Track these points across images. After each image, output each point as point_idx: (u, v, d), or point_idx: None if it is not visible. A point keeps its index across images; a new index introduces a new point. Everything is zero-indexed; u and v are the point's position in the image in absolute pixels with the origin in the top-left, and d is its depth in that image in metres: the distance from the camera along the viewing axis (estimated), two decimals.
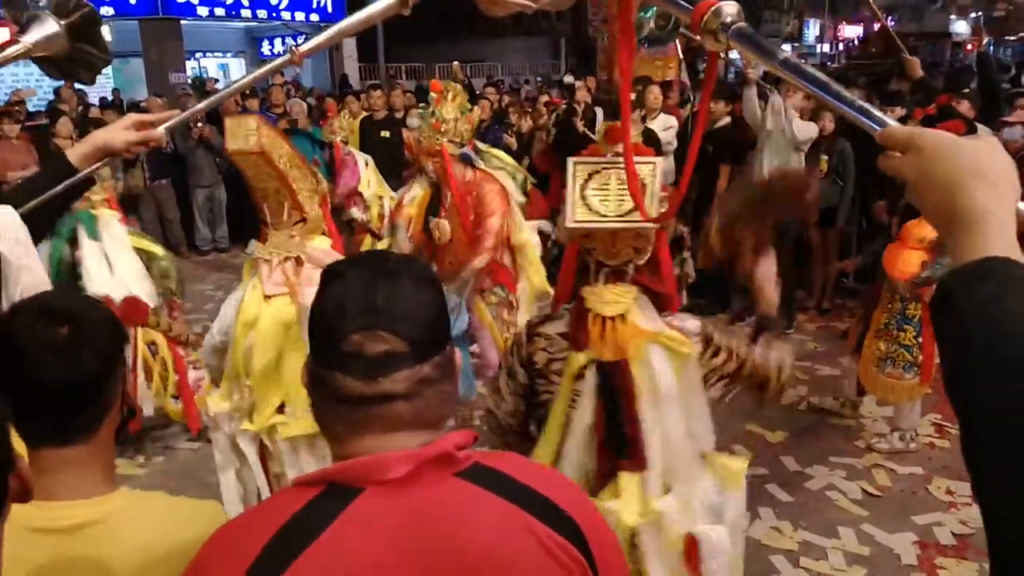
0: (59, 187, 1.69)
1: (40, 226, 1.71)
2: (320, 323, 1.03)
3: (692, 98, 7.64)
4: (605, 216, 2.00)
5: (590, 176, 2.01)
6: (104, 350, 1.28)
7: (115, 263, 4.36)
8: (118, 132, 1.74)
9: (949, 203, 0.84)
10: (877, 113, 1.06)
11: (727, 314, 6.62)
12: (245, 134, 2.56)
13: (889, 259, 4.44)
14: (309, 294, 2.63)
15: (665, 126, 6.90)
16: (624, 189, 1.99)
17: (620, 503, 2.02)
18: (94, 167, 1.73)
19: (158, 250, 4.74)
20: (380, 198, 6.34)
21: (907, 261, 4.33)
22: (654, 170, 2.05)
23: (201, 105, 1.91)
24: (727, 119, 6.59)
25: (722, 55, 1.48)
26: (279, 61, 1.86)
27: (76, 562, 1.22)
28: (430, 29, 20.46)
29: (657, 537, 2.02)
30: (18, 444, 0.94)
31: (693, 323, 2.16)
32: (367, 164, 6.50)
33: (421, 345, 1.02)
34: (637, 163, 2.00)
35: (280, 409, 2.67)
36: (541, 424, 2.14)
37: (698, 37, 1.32)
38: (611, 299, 2.04)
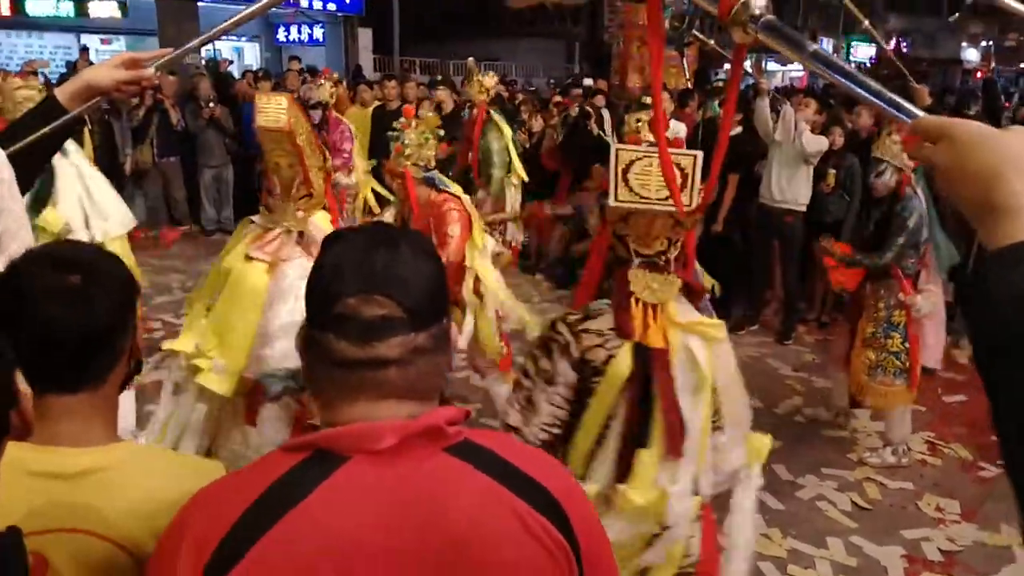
0: (47, 128, 1.61)
1: (30, 168, 1.65)
2: (317, 285, 1.03)
3: (704, 105, 7.65)
4: (646, 199, 2.03)
5: (631, 162, 2.03)
6: (115, 300, 1.28)
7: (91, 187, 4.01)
8: (108, 70, 1.66)
9: (983, 192, 0.84)
10: (907, 104, 1.07)
11: (727, 322, 6.62)
12: (276, 112, 2.63)
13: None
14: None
15: (674, 133, 6.91)
16: (684, 178, 2.04)
17: (632, 482, 2.02)
18: (84, 107, 1.66)
19: None
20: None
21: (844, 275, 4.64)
22: (695, 162, 2.08)
23: (194, 43, 1.81)
24: (739, 128, 6.60)
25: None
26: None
27: (75, 508, 1.21)
28: (445, 26, 20.52)
29: (646, 523, 2.04)
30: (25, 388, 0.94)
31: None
32: (355, 138, 6.60)
33: (417, 314, 1.01)
34: (681, 155, 2.07)
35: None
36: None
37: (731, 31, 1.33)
38: (656, 287, 2.06)
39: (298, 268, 2.72)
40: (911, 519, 4.08)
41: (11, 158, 1.59)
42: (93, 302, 1.24)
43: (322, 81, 6.89)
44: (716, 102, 7.37)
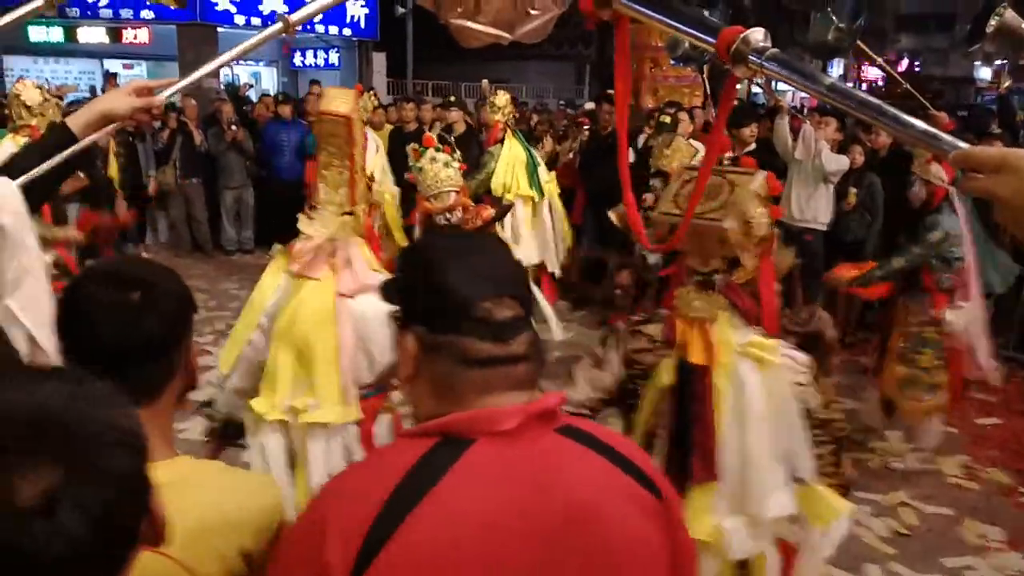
0: (60, 156, 1.62)
1: (38, 197, 1.65)
2: (444, 294, 1.08)
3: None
4: (671, 210, 2.08)
5: (689, 180, 2.05)
6: (171, 317, 1.30)
7: None
8: (121, 98, 1.69)
9: None
10: (945, 136, 1.03)
11: None
12: (343, 99, 2.62)
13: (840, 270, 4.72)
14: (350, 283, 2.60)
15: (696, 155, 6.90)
16: (721, 194, 2.03)
17: (689, 515, 1.96)
18: (96, 135, 1.68)
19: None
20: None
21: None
22: (757, 181, 2.12)
23: (196, 74, 1.85)
24: (753, 146, 6.58)
25: (755, 81, 1.48)
26: (269, 31, 1.81)
27: None
28: (458, 49, 20.62)
29: (713, 559, 1.99)
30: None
31: (802, 357, 2.12)
32: (377, 149, 6.57)
33: (529, 309, 1.12)
34: (742, 174, 2.10)
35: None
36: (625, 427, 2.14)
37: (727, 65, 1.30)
38: (698, 304, 2.06)
39: (359, 302, 2.61)
40: (952, 546, 4.00)
41: (23, 189, 1.58)
42: (149, 318, 1.26)
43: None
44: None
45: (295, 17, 1.78)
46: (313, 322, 2.57)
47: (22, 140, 4.02)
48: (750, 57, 1.21)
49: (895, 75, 7.27)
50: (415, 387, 1.14)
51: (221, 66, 1.92)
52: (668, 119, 6.67)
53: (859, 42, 6.65)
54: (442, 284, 1.09)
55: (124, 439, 0.78)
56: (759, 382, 2.03)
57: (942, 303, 4.43)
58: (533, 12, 2.38)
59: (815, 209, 6.26)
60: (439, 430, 1.06)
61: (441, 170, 3.73)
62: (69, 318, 1.27)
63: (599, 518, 1.06)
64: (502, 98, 6.42)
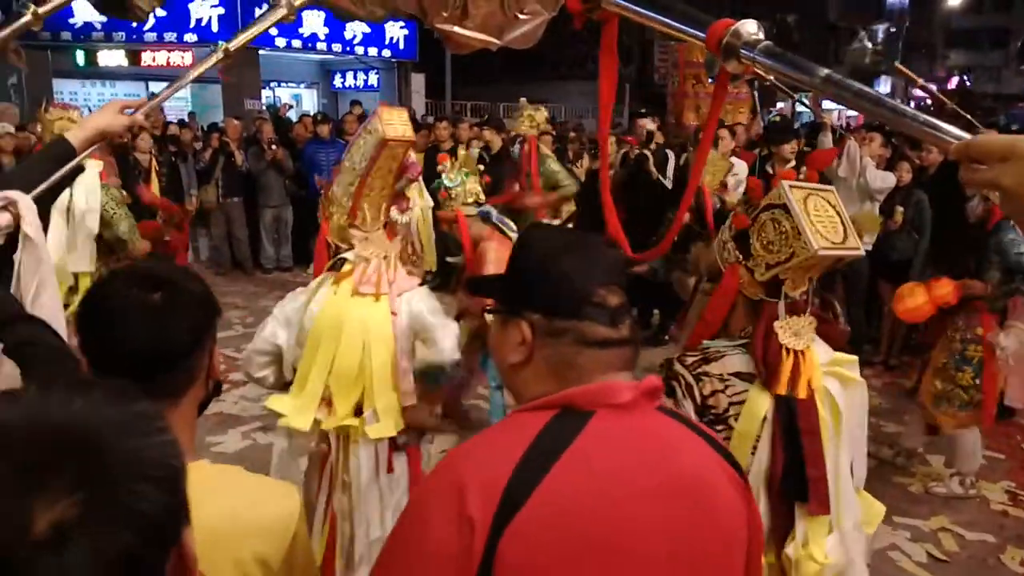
0: (63, 170, 1.81)
1: (41, 210, 1.76)
2: (564, 282, 1.19)
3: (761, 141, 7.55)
4: (834, 243, 1.89)
5: (805, 200, 1.91)
6: (194, 319, 1.29)
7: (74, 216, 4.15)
8: (115, 116, 1.91)
9: None
10: (947, 127, 0.99)
11: None
12: (403, 123, 2.62)
13: (904, 294, 4.39)
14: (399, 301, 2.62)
15: (732, 172, 6.80)
16: (838, 215, 1.93)
17: (812, 547, 1.89)
18: (90, 150, 1.87)
19: (122, 225, 4.35)
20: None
21: (918, 308, 4.31)
22: (836, 198, 1.99)
23: (166, 92, 2.08)
24: (794, 163, 6.48)
25: (800, 99, 1.43)
26: (211, 60, 2.04)
27: None
28: (496, 69, 20.78)
29: None
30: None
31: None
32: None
33: (630, 298, 1.23)
34: (821, 191, 1.97)
35: (355, 413, 2.64)
36: None
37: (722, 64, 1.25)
38: (800, 330, 1.93)
39: (404, 303, 2.64)
40: (992, 574, 3.86)
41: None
42: (172, 320, 1.25)
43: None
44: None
45: (233, 44, 1.96)
46: (371, 337, 2.59)
47: (96, 163, 4.25)
48: (742, 51, 1.17)
49: (938, 96, 7.11)
50: (525, 372, 1.22)
51: (174, 91, 2.12)
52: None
53: (899, 65, 6.52)
54: (562, 273, 1.19)
55: (157, 472, 0.71)
56: (845, 401, 1.95)
57: (990, 323, 4.29)
58: (522, 17, 2.36)
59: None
60: (560, 402, 1.15)
61: (470, 185, 3.87)
62: (93, 318, 1.26)
63: (707, 486, 1.17)
64: (541, 115, 6.43)
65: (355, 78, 19.50)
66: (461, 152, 4.22)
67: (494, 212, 4.12)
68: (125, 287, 1.25)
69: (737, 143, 7.68)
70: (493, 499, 1.05)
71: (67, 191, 4.01)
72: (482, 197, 4.08)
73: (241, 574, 1.22)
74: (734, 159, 6.96)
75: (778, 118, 11.12)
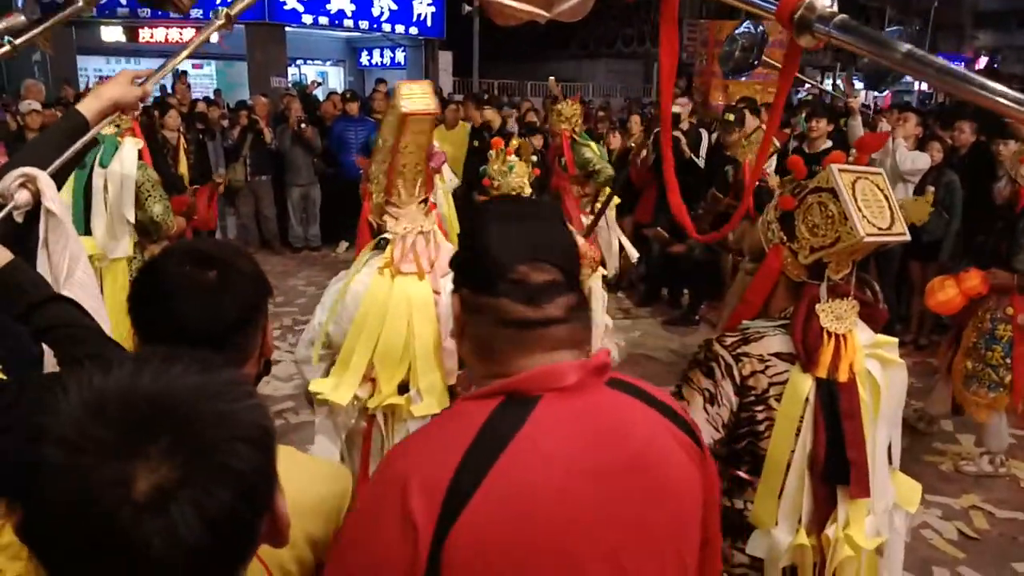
0: (79, 143, 1.79)
1: (58, 184, 1.75)
2: (483, 257, 1.16)
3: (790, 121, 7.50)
4: (881, 229, 1.87)
5: (854, 185, 1.89)
6: (248, 298, 1.29)
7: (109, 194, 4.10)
8: (127, 88, 1.87)
9: None
10: None
11: None
12: (423, 96, 2.55)
13: (935, 288, 4.46)
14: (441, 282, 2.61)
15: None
16: (886, 199, 1.91)
17: (853, 528, 1.90)
18: (104, 122, 1.84)
19: (157, 207, 4.24)
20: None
21: (949, 301, 4.38)
22: (885, 182, 1.97)
23: (171, 62, 2.01)
24: (829, 143, 6.44)
25: (820, 87, 1.38)
26: (211, 27, 1.98)
27: None
28: (524, 48, 20.67)
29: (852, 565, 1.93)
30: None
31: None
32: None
33: (571, 275, 1.17)
34: (870, 174, 1.95)
35: (399, 391, 2.65)
36: (748, 458, 1.95)
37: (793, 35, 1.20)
38: (843, 313, 1.92)
39: (448, 282, 2.55)
40: (1023, 551, 3.87)
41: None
42: (226, 298, 1.25)
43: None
44: (803, 116, 7.22)
45: (234, 10, 1.93)
46: (415, 316, 2.59)
47: (135, 141, 4.23)
48: (816, 25, 1.14)
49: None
50: (464, 347, 1.22)
51: (180, 60, 2.05)
52: (732, 116, 6.57)
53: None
54: (483, 247, 1.16)
55: (250, 433, 0.73)
56: (885, 383, 1.96)
57: (1021, 304, 4.28)
58: None
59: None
60: (503, 390, 1.12)
61: (513, 178, 3.86)
62: (147, 295, 1.26)
63: (658, 461, 1.15)
64: (569, 108, 6.32)
65: (382, 56, 19.44)
66: (514, 141, 4.15)
67: None
68: (179, 265, 1.25)
69: (761, 123, 7.61)
70: (436, 499, 1.03)
71: (102, 173, 4.00)
72: (526, 191, 4.06)
73: (293, 554, 1.23)
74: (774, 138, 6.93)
75: (810, 97, 10.98)
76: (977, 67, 28.45)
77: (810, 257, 1.93)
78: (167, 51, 16.38)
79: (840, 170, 1.91)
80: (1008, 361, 4.33)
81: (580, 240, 3.77)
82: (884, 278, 6.33)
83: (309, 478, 1.32)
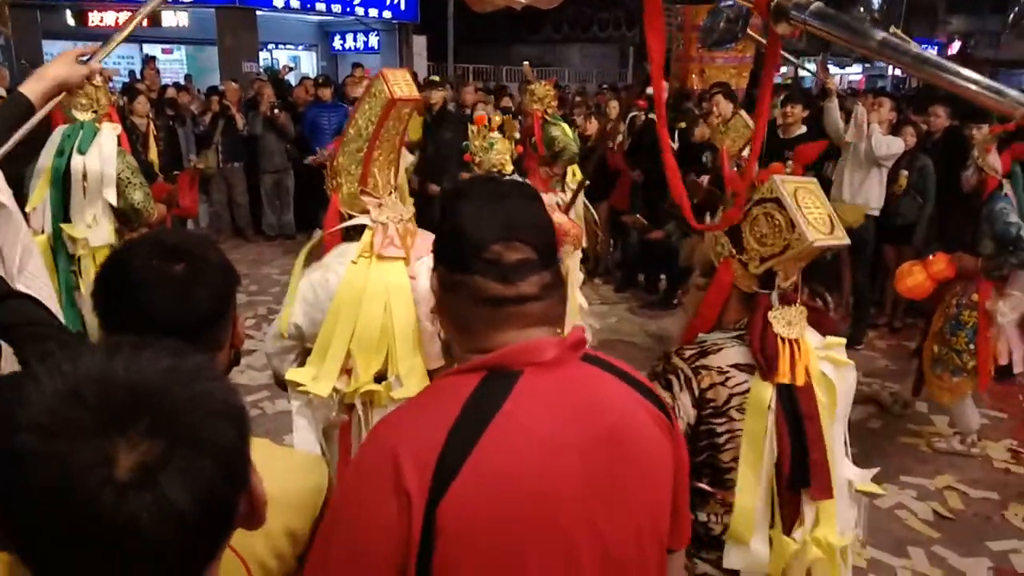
0: (26, 126, 1.72)
1: (13, 168, 1.75)
2: (458, 236, 1.19)
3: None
4: (825, 234, 1.91)
5: (796, 193, 1.92)
6: (218, 289, 1.27)
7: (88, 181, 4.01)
8: (73, 67, 1.80)
9: None
10: (1012, 92, 0.95)
11: None
12: (407, 83, 2.56)
13: (904, 273, 4.58)
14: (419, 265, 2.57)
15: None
16: (824, 207, 1.94)
17: (825, 529, 1.91)
18: (52, 103, 1.77)
19: (137, 194, 4.14)
20: None
21: (918, 286, 4.50)
22: (820, 190, 2.00)
23: (118, 37, 1.94)
24: (803, 128, 6.45)
25: (804, 65, 1.39)
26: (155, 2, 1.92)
27: None
28: (500, 32, 20.57)
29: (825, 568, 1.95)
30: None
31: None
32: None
33: (545, 254, 1.20)
34: (807, 183, 1.98)
35: (377, 381, 2.61)
36: (707, 471, 1.96)
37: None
38: (794, 320, 1.94)
39: (423, 265, 2.56)
40: (997, 530, 3.93)
41: None
42: (195, 291, 1.23)
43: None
44: (778, 101, 7.22)
45: None
46: (392, 300, 2.56)
47: (114, 126, 4.15)
48: (792, 12, 1.14)
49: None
50: (443, 322, 1.26)
51: (125, 36, 2.03)
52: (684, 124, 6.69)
53: (896, 31, 6.45)
54: (458, 226, 1.19)
55: (226, 411, 0.74)
56: (839, 383, 1.99)
57: (987, 290, 4.34)
58: None
59: (867, 194, 6.08)
60: (485, 365, 1.15)
61: (494, 155, 3.88)
62: (114, 289, 1.24)
63: (633, 433, 1.20)
64: (543, 89, 6.36)
65: (355, 40, 19.28)
66: (497, 118, 4.14)
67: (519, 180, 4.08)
68: (146, 258, 1.23)
69: (736, 108, 7.61)
70: (428, 470, 1.06)
71: (81, 160, 3.93)
72: (507, 168, 4.03)
73: (271, 546, 1.22)
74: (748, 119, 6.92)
75: (788, 81, 11.02)
76: (950, 52, 28.72)
77: (761, 267, 1.97)
78: (131, 34, 16.09)
79: (782, 180, 1.95)
80: (972, 347, 4.42)
81: (563, 218, 3.77)
82: (858, 263, 6.37)
83: (286, 471, 1.30)
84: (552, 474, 1.11)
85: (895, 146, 5.99)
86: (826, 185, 6.39)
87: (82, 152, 3.95)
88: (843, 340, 2.09)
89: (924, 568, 3.62)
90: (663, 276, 7.49)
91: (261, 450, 1.33)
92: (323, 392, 2.57)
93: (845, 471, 2.05)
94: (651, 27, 1.75)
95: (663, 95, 1.72)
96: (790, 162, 5.18)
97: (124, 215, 4.16)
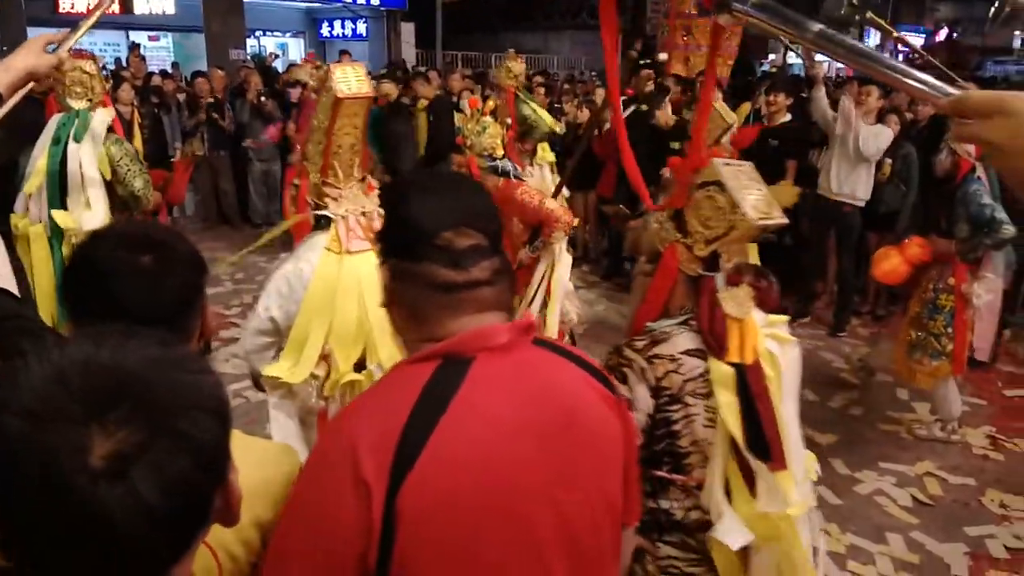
0: None
1: None
2: (408, 225, 1.20)
3: (752, 95, 7.51)
4: (765, 213, 1.96)
5: (736, 176, 1.97)
6: (185, 280, 1.28)
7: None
8: (41, 56, 1.75)
9: None
10: (938, 83, 0.99)
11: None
12: (357, 79, 2.56)
13: (880, 258, 4.64)
14: None
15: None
16: (761, 189, 1.98)
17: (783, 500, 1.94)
18: (21, 92, 1.73)
19: (137, 181, 4.15)
20: None
21: (894, 270, 4.55)
22: (756, 173, 2.05)
23: (88, 23, 1.90)
24: (788, 116, 6.47)
25: (793, 48, 1.43)
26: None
27: None
28: (489, 19, 20.49)
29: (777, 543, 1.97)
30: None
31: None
32: None
33: (494, 240, 1.22)
34: (745, 167, 2.04)
35: (356, 369, 2.63)
36: (667, 459, 1.98)
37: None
38: (742, 300, 1.97)
39: None
40: (974, 516, 3.98)
41: None
42: (163, 282, 1.23)
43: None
44: (763, 90, 7.23)
45: None
46: (367, 293, 2.56)
47: (107, 111, 4.16)
48: (734, 4, 1.17)
49: (914, 47, 7.03)
50: (393, 314, 1.27)
51: (97, 19, 1.99)
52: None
53: (872, 15, 6.47)
54: (407, 216, 1.21)
55: (208, 404, 0.74)
56: (785, 360, 2.02)
57: (963, 273, 4.38)
58: None
59: (854, 185, 6.08)
60: (439, 353, 1.16)
61: (486, 138, 3.92)
62: (82, 281, 1.24)
63: (586, 414, 1.23)
64: (519, 65, 6.41)
65: (343, 27, 19.17)
66: (490, 102, 4.15)
67: (510, 166, 4.09)
68: (112, 249, 1.23)
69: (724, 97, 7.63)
70: (386, 459, 1.07)
71: (76, 149, 3.94)
72: (499, 151, 4.04)
73: (239, 537, 1.22)
74: (725, 111, 6.93)
75: (774, 69, 11.02)
76: (937, 38, 28.78)
77: (706, 249, 2.01)
78: (117, 21, 15.98)
79: (725, 163, 2.01)
80: (950, 331, 4.47)
81: (554, 203, 3.78)
82: (844, 251, 6.41)
83: (255, 460, 1.30)
84: (510, 457, 1.13)
85: (883, 140, 5.98)
86: (814, 174, 6.41)
87: (77, 140, 3.97)
88: (786, 317, 2.13)
89: (902, 554, 3.66)
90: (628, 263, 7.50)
91: (233, 442, 1.35)
92: (299, 379, 2.57)
93: (800, 447, 2.07)
94: (605, 23, 1.79)
95: (617, 91, 1.75)
96: (730, 147, 5.24)
97: (123, 202, 4.17)
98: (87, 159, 3.97)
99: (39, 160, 3.93)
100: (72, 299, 1.25)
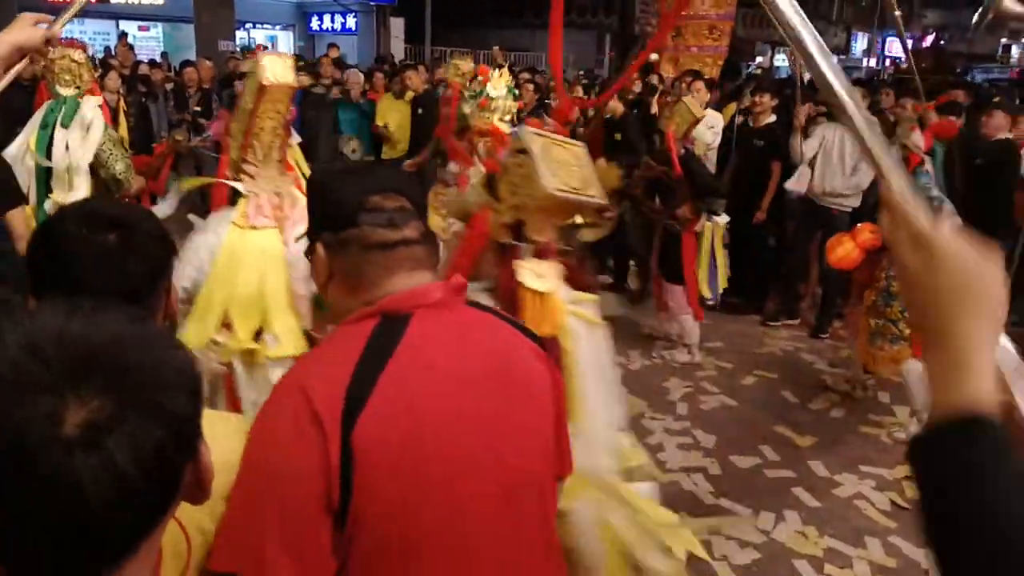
0: None
1: None
2: (337, 199, 1.29)
3: (738, 96, 7.53)
4: (572, 188, 1.98)
5: (549, 148, 1.98)
6: (151, 259, 1.27)
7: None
8: (31, 30, 1.70)
9: (942, 320, 0.79)
10: (892, 165, 0.85)
11: (761, 315, 6.55)
12: (284, 68, 2.68)
13: (833, 244, 4.72)
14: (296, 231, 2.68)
15: (708, 124, 6.74)
16: (582, 168, 2.00)
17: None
18: (16, 69, 1.69)
19: (119, 165, 4.28)
20: None
21: (847, 255, 4.62)
22: (585, 155, 2.10)
23: (76, 6, 1.89)
24: (773, 117, 6.49)
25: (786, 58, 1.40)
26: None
27: None
28: (478, 16, 20.46)
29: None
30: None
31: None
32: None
33: (417, 205, 1.33)
34: (569, 144, 2.06)
35: (255, 338, 2.75)
36: None
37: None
38: (544, 273, 1.99)
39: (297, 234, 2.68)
40: None
41: None
42: (128, 261, 1.22)
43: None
44: (749, 91, 7.25)
45: None
46: (266, 267, 2.71)
47: (96, 99, 4.30)
48: None
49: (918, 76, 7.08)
50: (332, 289, 1.32)
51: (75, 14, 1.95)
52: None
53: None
54: (338, 191, 1.30)
55: (181, 380, 0.74)
56: (588, 339, 2.06)
57: None
58: None
59: (841, 188, 6.12)
60: (378, 311, 1.24)
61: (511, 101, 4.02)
62: (45, 259, 1.23)
63: (518, 367, 1.32)
64: (467, 64, 6.54)
65: (332, 21, 19.14)
66: (499, 73, 4.18)
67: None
68: (77, 228, 1.22)
69: (713, 98, 7.64)
70: (337, 402, 1.13)
71: (63, 134, 4.04)
72: (510, 117, 4.03)
73: (209, 511, 1.19)
74: (711, 111, 6.95)
75: (759, 71, 11.06)
76: (924, 44, 28.98)
77: (511, 215, 2.04)
78: (107, 10, 15.86)
79: (536, 134, 2.03)
80: (906, 315, 4.48)
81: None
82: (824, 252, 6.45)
83: (224, 435, 1.27)
84: (453, 402, 1.20)
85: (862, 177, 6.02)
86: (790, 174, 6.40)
87: (65, 126, 4.10)
88: (594, 297, 2.17)
89: (880, 558, 3.67)
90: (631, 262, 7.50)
91: (204, 419, 1.34)
92: (200, 343, 2.67)
93: (609, 429, 2.07)
94: (554, 29, 1.81)
95: (561, 84, 1.76)
96: (549, 119, 5.28)
97: (105, 185, 4.25)
98: (74, 144, 4.08)
99: (27, 145, 4.05)
100: (35, 274, 1.24)
